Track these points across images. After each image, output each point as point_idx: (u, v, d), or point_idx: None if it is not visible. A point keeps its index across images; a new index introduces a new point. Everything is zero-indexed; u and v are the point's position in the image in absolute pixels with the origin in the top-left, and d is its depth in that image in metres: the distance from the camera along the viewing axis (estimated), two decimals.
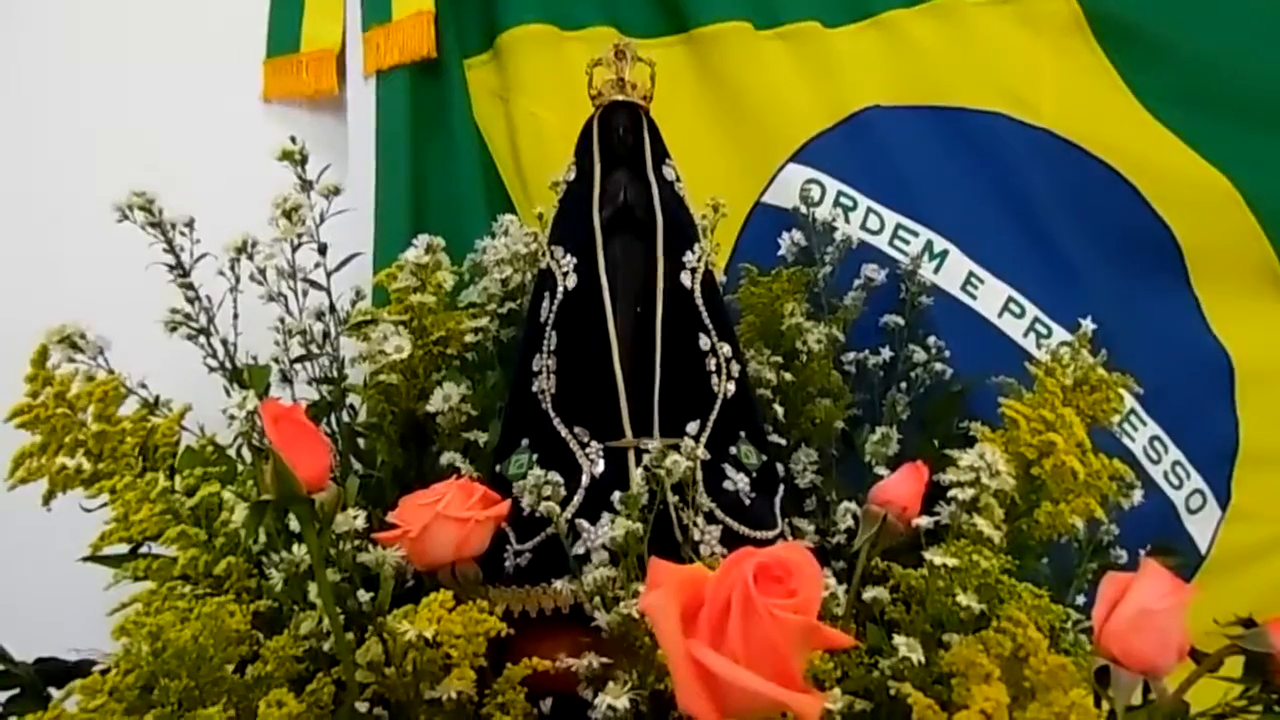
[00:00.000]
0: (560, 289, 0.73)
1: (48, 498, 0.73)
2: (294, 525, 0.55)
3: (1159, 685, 0.46)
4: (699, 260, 0.75)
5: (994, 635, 0.49)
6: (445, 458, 0.70)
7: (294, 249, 0.71)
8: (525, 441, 0.72)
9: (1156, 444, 1.07)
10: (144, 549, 0.68)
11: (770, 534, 0.71)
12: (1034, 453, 0.70)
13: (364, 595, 0.49)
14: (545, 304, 0.74)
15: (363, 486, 0.73)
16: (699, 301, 0.74)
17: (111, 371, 0.75)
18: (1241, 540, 1.03)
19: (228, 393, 0.75)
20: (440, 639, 0.49)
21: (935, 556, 0.53)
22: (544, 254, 0.76)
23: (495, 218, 0.91)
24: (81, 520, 0.72)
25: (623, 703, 0.50)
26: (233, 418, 0.62)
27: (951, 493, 0.55)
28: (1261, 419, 1.05)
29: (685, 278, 0.74)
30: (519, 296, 0.87)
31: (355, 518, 0.51)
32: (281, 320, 0.79)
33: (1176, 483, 1.04)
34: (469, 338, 0.79)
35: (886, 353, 0.97)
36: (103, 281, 0.91)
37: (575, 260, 0.73)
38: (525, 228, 0.85)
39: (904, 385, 0.95)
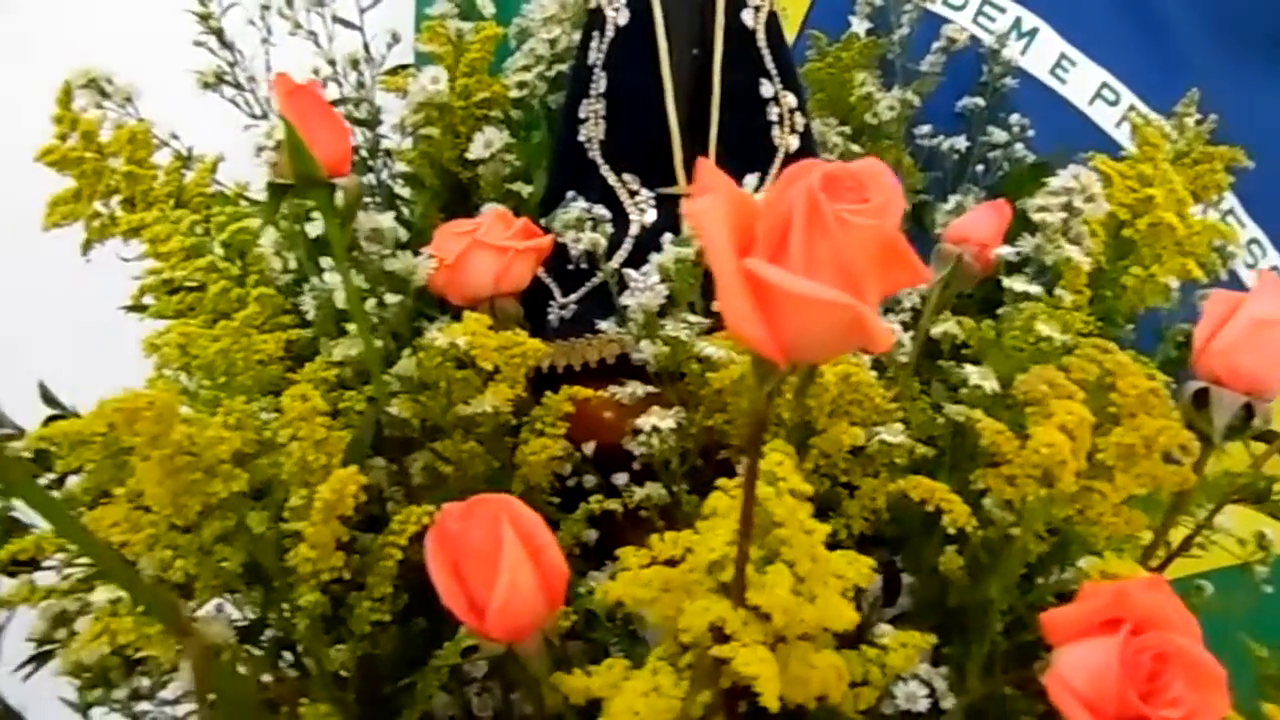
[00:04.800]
0: (610, 26, 0.66)
1: (86, 246, 0.72)
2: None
3: (1263, 409, 0.42)
4: None
5: (1077, 359, 0.44)
6: (488, 208, 0.66)
7: None
8: (571, 194, 0.67)
9: (1254, 247, 0.99)
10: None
11: None
12: (1127, 213, 0.64)
13: (391, 299, 0.46)
14: (594, 44, 0.67)
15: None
16: (762, 44, 0.67)
17: (140, 120, 0.72)
18: None
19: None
20: (475, 352, 0.46)
21: (1016, 284, 0.48)
22: None
23: None
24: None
25: (668, 424, 0.47)
26: (261, 148, 0.58)
27: (1038, 217, 0.50)
28: None
29: (748, 16, 0.67)
30: (567, 59, 0.81)
31: (381, 219, 0.47)
32: (315, 71, 0.74)
33: None
34: (515, 93, 0.73)
35: (962, 141, 0.89)
36: (134, 31, 0.87)
37: None
38: None
39: (980, 169, 0.88)
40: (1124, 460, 0.41)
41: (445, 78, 0.64)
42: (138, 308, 0.71)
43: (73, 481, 0.51)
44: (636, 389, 0.51)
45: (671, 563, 0.39)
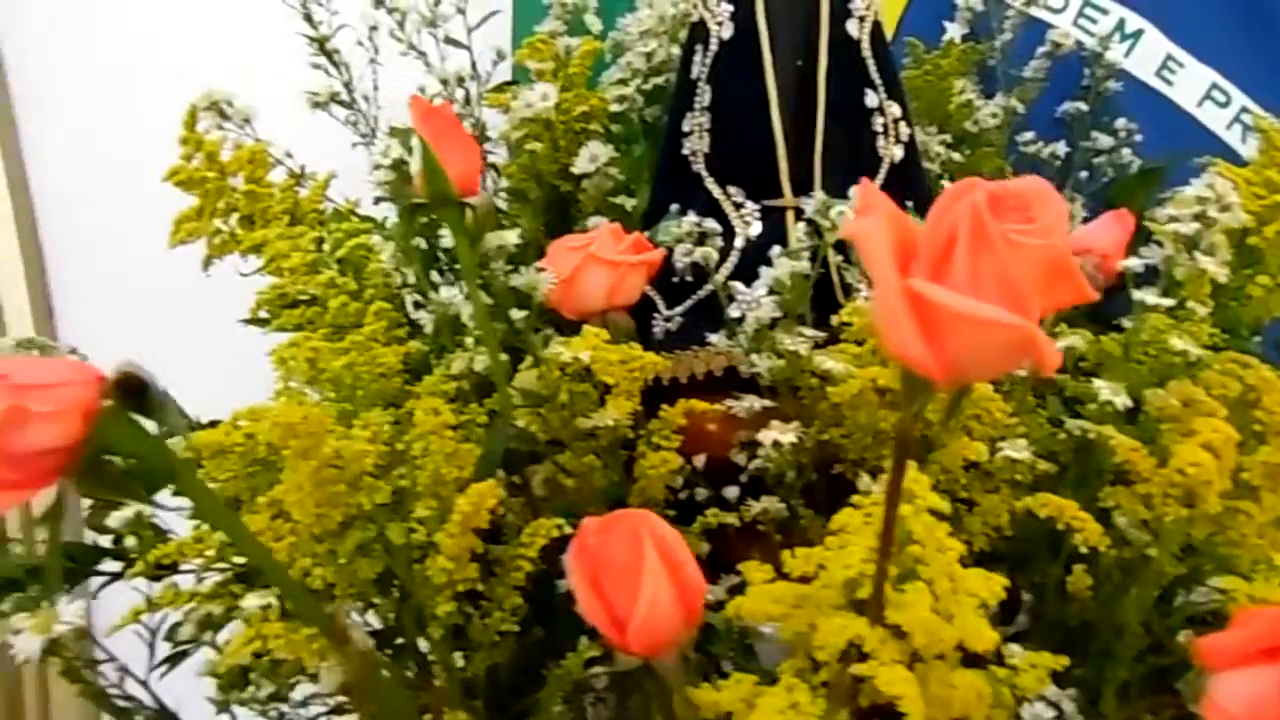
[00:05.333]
0: (714, 40, 0.67)
1: (206, 262, 0.75)
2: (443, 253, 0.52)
3: None
4: (867, 8, 0.67)
5: (1216, 375, 0.43)
6: (592, 222, 0.67)
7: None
8: (675, 207, 0.68)
9: None
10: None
11: None
12: (1253, 220, 0.62)
13: (517, 314, 0.47)
14: (697, 58, 0.68)
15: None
16: (866, 54, 0.67)
17: (258, 140, 0.74)
18: None
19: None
20: (596, 366, 0.46)
21: (1148, 296, 0.47)
22: (695, 6, 0.69)
23: None
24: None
25: (789, 438, 0.47)
26: (378, 166, 0.60)
27: (1170, 227, 0.48)
28: None
29: (852, 26, 0.67)
30: (664, 71, 0.81)
31: (507, 235, 0.48)
32: (421, 89, 0.76)
33: None
34: (614, 106, 0.74)
35: (1063, 147, 0.88)
36: (246, 52, 0.90)
37: (731, 8, 0.66)
38: None
39: (1084, 175, 0.86)
40: (1271, 479, 0.40)
41: (555, 94, 0.65)
42: (256, 321, 0.74)
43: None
44: (754, 403, 0.51)
45: (801, 579, 0.39)
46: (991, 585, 0.38)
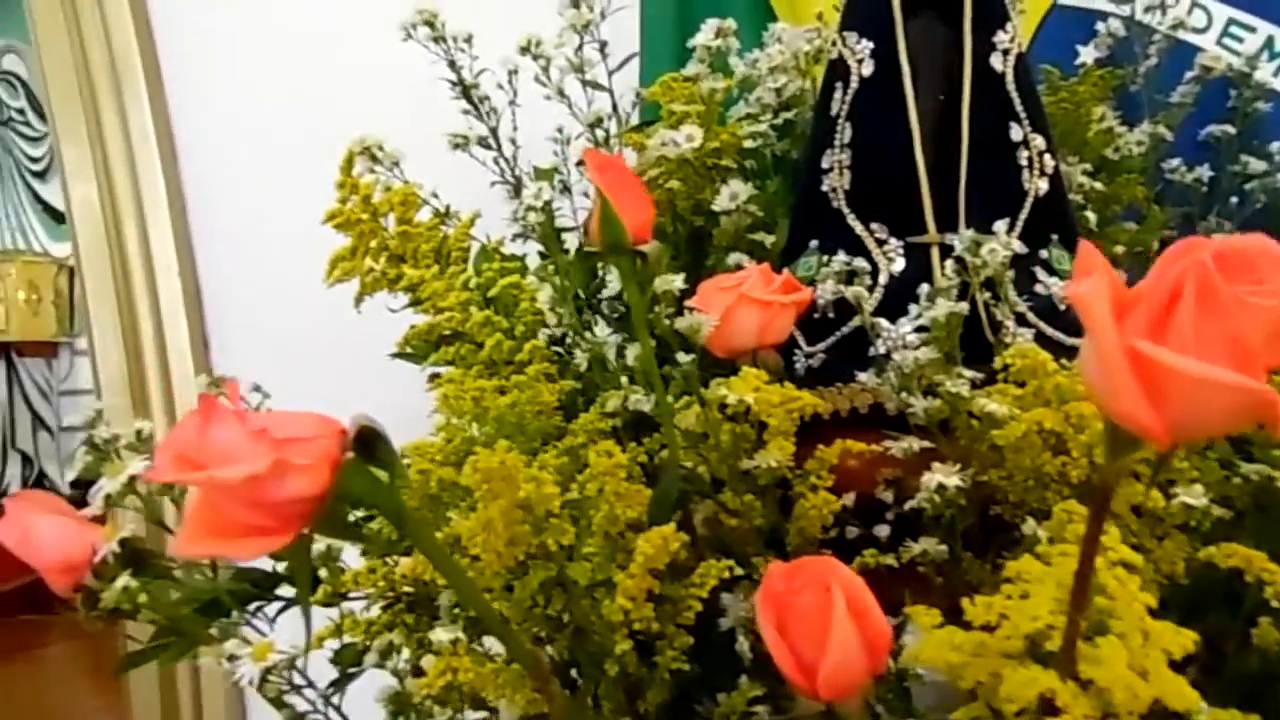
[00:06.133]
0: (854, 77, 0.67)
1: (358, 300, 0.79)
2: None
3: None
4: (1011, 41, 0.67)
5: None
6: (732, 258, 0.68)
7: (580, 39, 0.69)
8: (814, 243, 0.68)
9: None
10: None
11: None
12: None
13: (684, 357, 0.48)
14: (837, 95, 0.68)
15: None
16: (1010, 87, 0.66)
17: (406, 181, 0.78)
18: None
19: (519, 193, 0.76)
20: (758, 407, 0.47)
21: None
22: (834, 43, 0.70)
23: (765, 26, 0.85)
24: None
25: (954, 481, 0.47)
26: (530, 209, 0.62)
27: None
28: None
29: (996, 60, 0.66)
30: (795, 106, 0.82)
31: (673, 280, 0.49)
32: (560, 130, 0.79)
33: None
34: (748, 143, 0.75)
35: (1207, 171, 0.85)
36: (391, 96, 0.95)
37: (871, 45, 0.67)
38: (804, 28, 0.79)
39: (1234, 201, 0.83)
40: None
41: (700, 135, 0.67)
42: (404, 355, 0.77)
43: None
44: (912, 443, 0.51)
45: (975, 626, 0.39)
46: (1181, 640, 0.38)
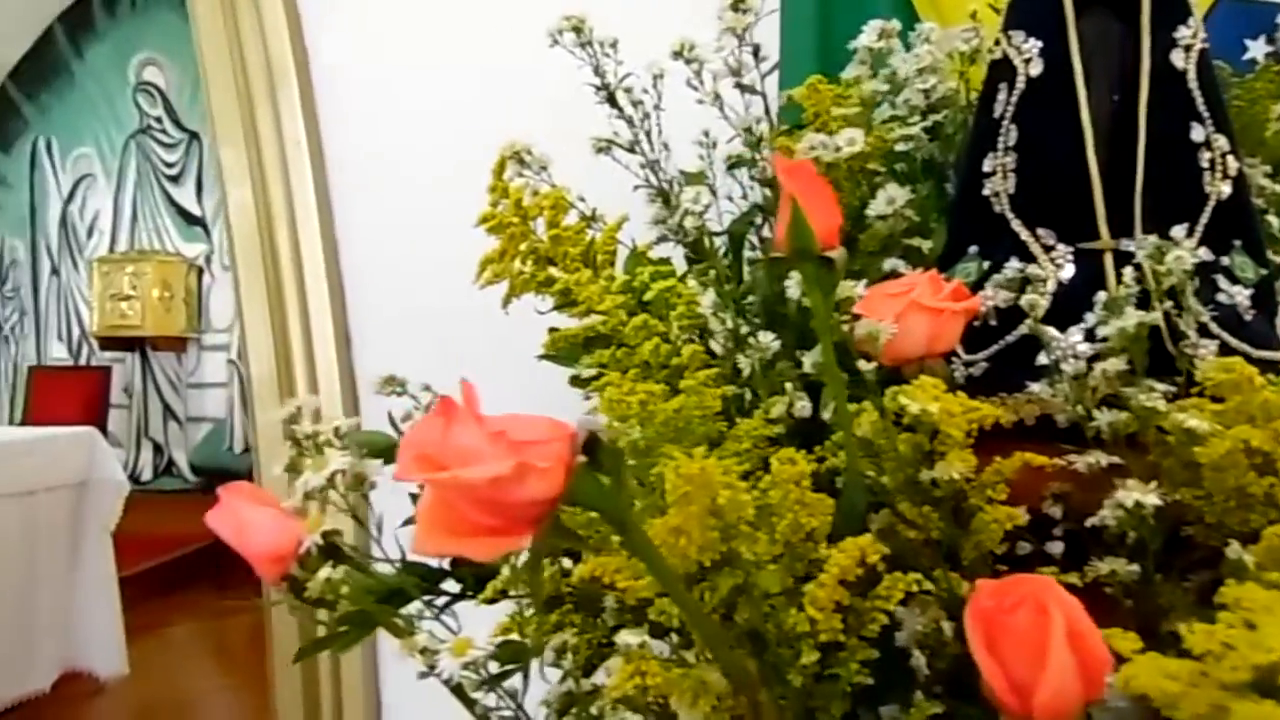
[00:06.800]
0: (1020, 78, 0.65)
1: (506, 301, 0.80)
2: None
3: None
4: (1194, 36, 0.63)
5: None
6: (888, 264, 0.66)
7: (739, 42, 0.69)
8: (974, 249, 0.66)
9: None
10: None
11: (1276, 355, 0.60)
12: None
13: (866, 365, 0.47)
14: (1001, 96, 0.66)
15: None
16: (1192, 84, 0.63)
17: (553, 185, 0.79)
18: None
19: (666, 202, 0.77)
20: (938, 417, 0.46)
21: None
22: (997, 43, 0.68)
23: (913, 27, 0.84)
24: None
25: (1151, 499, 0.45)
26: (688, 213, 0.62)
27: None
28: None
29: (1177, 57, 0.63)
30: (943, 108, 0.80)
31: (854, 287, 0.48)
32: (705, 133, 0.79)
33: None
34: (899, 146, 0.73)
35: None
36: (530, 101, 0.97)
37: (1040, 44, 0.65)
38: (958, 27, 0.77)
39: None
40: None
41: (861, 138, 0.66)
42: (550, 356, 0.78)
43: None
44: (1099, 458, 0.49)
45: (1194, 655, 0.37)
46: None
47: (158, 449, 5.46)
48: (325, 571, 0.44)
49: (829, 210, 0.44)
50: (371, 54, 1.09)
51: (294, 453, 0.47)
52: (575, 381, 0.80)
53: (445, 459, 0.28)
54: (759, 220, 0.72)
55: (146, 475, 5.35)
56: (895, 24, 0.73)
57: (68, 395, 4.92)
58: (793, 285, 0.50)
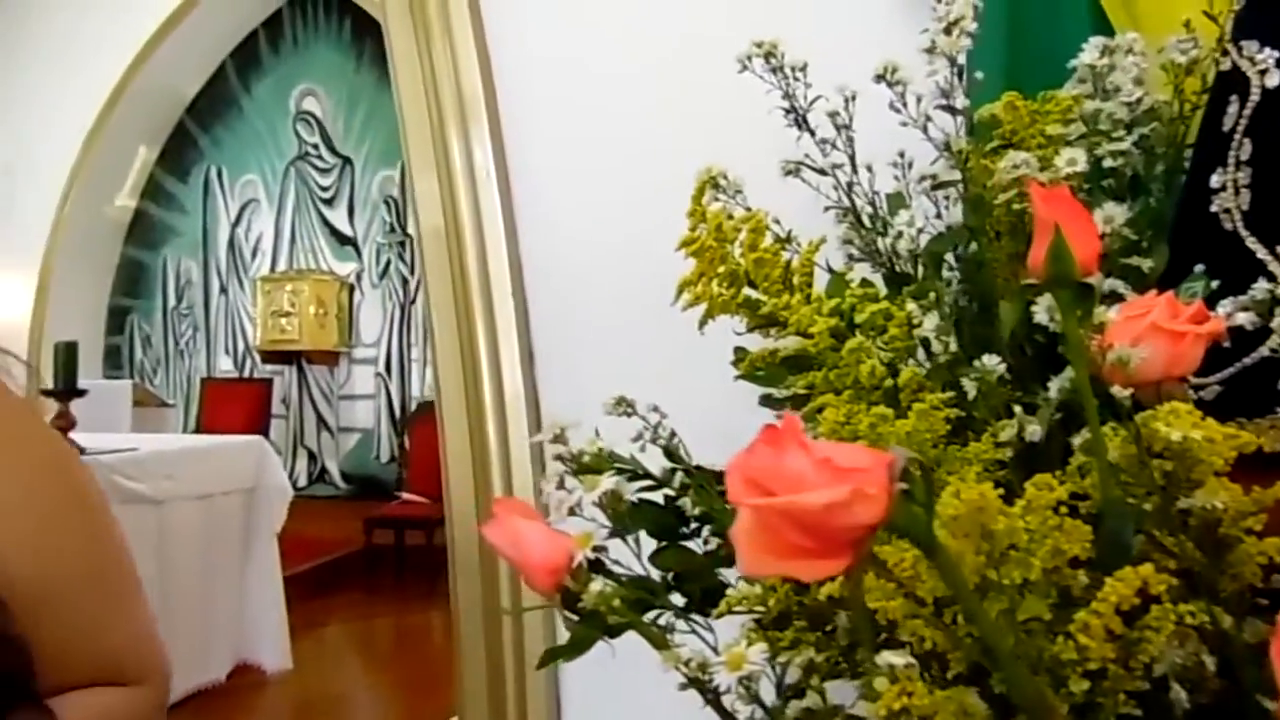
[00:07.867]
0: (1255, 90, 0.63)
1: (702, 322, 0.82)
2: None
3: None
4: None
5: None
6: (1107, 284, 0.65)
7: (951, 64, 0.69)
8: (1199, 267, 0.64)
9: None
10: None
11: None
12: None
13: (1121, 391, 0.47)
14: (1231, 110, 0.64)
15: None
16: None
17: (749, 209, 0.81)
18: None
19: (860, 222, 0.77)
20: (1196, 445, 0.45)
21: None
22: (1225, 54, 0.66)
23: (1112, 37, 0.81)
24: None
25: None
26: (899, 234, 0.63)
27: None
28: None
29: None
30: (1150, 121, 0.77)
31: (1107, 312, 0.48)
32: (901, 154, 0.79)
33: None
34: (1108, 162, 0.72)
35: None
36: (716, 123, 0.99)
37: (1277, 55, 0.62)
38: (1175, 37, 0.75)
39: None
40: None
41: (1082, 157, 0.65)
42: (748, 376, 0.80)
43: None
44: None
45: None
46: None
47: (312, 457, 5.78)
48: (598, 585, 0.46)
49: (1089, 236, 0.44)
50: (557, 87, 1.14)
51: (564, 470, 0.50)
52: (768, 401, 0.82)
53: (773, 484, 0.29)
54: (963, 241, 0.72)
55: (302, 482, 5.68)
56: (1118, 41, 0.71)
57: (235, 406, 5.29)
58: (1040, 310, 0.50)
